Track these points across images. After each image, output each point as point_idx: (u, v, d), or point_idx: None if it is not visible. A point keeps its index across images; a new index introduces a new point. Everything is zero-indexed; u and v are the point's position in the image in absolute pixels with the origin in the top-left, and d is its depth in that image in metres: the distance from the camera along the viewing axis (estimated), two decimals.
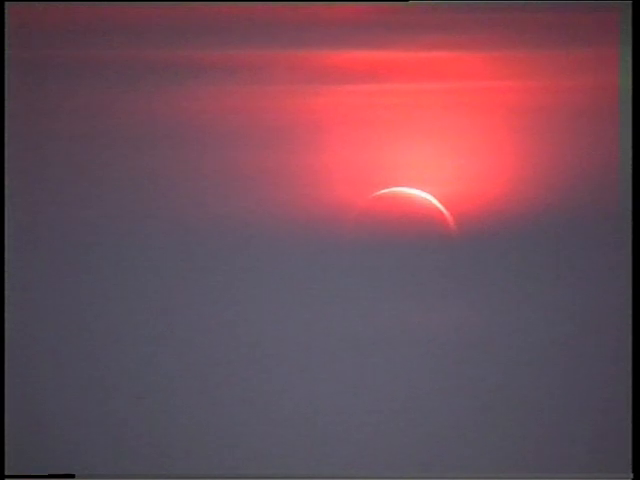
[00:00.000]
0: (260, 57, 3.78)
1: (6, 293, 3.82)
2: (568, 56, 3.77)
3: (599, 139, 3.79)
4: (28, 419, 3.85)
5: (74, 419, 3.85)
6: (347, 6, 3.77)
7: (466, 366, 3.82)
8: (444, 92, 3.78)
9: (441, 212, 3.79)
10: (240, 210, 3.79)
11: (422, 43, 3.77)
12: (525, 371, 3.81)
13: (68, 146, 3.82)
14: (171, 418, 3.84)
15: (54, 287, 3.83)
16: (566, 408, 3.81)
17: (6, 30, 3.80)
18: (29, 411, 3.85)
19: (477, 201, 3.78)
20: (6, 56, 3.81)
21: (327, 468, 3.81)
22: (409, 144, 3.79)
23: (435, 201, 3.79)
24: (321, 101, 3.78)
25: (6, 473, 3.81)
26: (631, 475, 3.77)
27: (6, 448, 3.83)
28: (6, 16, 3.80)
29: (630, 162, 3.77)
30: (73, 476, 3.80)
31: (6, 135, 3.81)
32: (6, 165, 3.81)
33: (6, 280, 3.82)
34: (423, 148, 3.79)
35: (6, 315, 3.82)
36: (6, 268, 3.82)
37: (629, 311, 3.77)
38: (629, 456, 3.78)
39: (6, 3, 3.80)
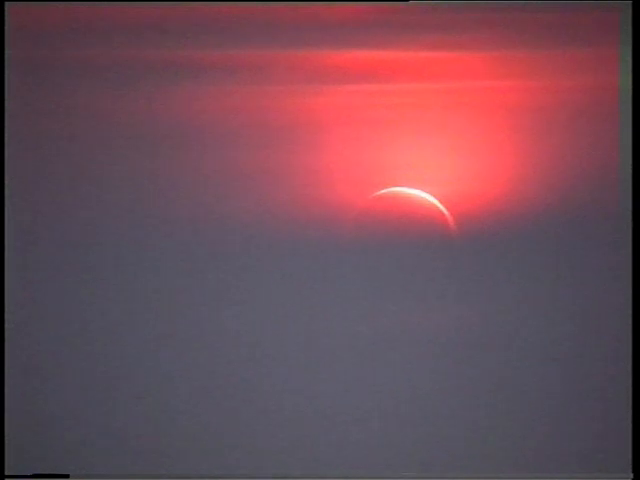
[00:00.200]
0: (260, 57, 3.78)
1: (6, 293, 3.82)
2: (568, 56, 3.78)
3: (599, 139, 3.79)
4: (28, 419, 3.85)
5: (75, 419, 3.85)
6: (347, 6, 3.77)
7: (466, 366, 3.82)
8: (444, 92, 3.78)
9: (441, 212, 3.79)
10: (240, 210, 3.79)
11: (422, 43, 3.77)
12: (525, 371, 3.82)
13: (68, 146, 3.82)
14: (170, 418, 3.84)
15: (54, 287, 3.83)
16: (566, 408, 3.81)
17: (6, 30, 3.81)
18: (29, 411, 3.85)
19: (477, 201, 3.78)
20: (6, 56, 3.81)
21: (327, 468, 3.81)
22: (409, 144, 3.79)
23: (435, 201, 3.79)
24: (321, 101, 3.78)
25: (6, 473, 3.81)
26: (631, 475, 3.77)
27: (6, 448, 3.83)
28: (6, 16, 3.80)
29: (630, 162, 3.77)
30: (69, 476, 3.81)
31: (6, 135, 3.81)
32: (6, 165, 3.81)
33: (6, 280, 3.82)
34: (423, 148, 3.79)
35: (6, 315, 3.82)
36: (6, 268, 3.82)
37: (629, 311, 3.77)
38: (629, 456, 3.78)
39: (6, 3, 3.80)
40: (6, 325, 3.82)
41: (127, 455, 3.84)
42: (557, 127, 3.80)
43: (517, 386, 3.81)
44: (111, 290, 3.82)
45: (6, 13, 3.80)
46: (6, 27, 3.81)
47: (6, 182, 3.82)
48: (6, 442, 3.83)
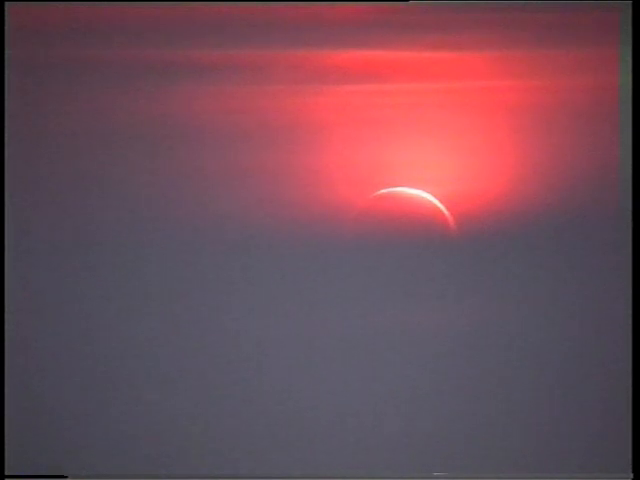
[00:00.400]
0: (260, 57, 3.78)
1: (6, 293, 3.82)
2: (568, 56, 3.78)
3: (599, 139, 3.79)
4: (28, 419, 3.85)
5: (75, 419, 3.85)
6: (347, 6, 3.77)
7: (466, 366, 3.82)
8: (444, 92, 3.78)
9: (441, 212, 3.79)
10: (240, 210, 3.79)
11: (422, 43, 3.77)
12: (525, 371, 3.81)
13: (68, 146, 3.82)
14: (170, 418, 3.83)
15: (54, 287, 3.83)
16: (566, 408, 3.81)
17: (6, 30, 3.80)
18: (29, 411, 3.85)
19: (477, 201, 3.78)
20: (6, 56, 3.81)
21: (327, 468, 3.81)
22: (409, 144, 3.79)
23: (435, 201, 3.79)
24: (321, 101, 3.78)
25: (6, 473, 3.81)
26: (631, 475, 3.77)
27: (6, 448, 3.83)
28: (6, 16, 3.80)
29: (630, 162, 3.77)
30: (67, 477, 3.81)
31: (6, 135, 3.81)
32: (6, 165, 3.81)
33: (6, 280, 3.82)
34: (423, 148, 3.79)
35: (6, 315, 3.82)
36: (6, 268, 3.82)
37: (629, 311, 3.77)
38: (629, 456, 3.78)
39: (6, 3, 3.80)
40: (6, 325, 3.82)
41: (127, 455, 3.84)
42: (557, 127, 3.80)
43: (517, 386, 3.81)
44: (110, 289, 3.82)
45: (6, 13, 3.80)
46: (6, 27, 3.80)
47: (6, 182, 3.81)
48: (6, 442, 3.83)
